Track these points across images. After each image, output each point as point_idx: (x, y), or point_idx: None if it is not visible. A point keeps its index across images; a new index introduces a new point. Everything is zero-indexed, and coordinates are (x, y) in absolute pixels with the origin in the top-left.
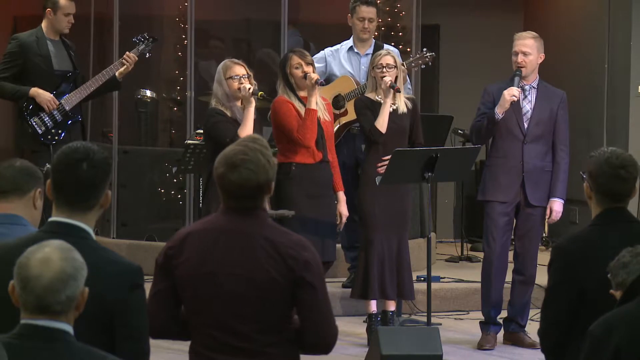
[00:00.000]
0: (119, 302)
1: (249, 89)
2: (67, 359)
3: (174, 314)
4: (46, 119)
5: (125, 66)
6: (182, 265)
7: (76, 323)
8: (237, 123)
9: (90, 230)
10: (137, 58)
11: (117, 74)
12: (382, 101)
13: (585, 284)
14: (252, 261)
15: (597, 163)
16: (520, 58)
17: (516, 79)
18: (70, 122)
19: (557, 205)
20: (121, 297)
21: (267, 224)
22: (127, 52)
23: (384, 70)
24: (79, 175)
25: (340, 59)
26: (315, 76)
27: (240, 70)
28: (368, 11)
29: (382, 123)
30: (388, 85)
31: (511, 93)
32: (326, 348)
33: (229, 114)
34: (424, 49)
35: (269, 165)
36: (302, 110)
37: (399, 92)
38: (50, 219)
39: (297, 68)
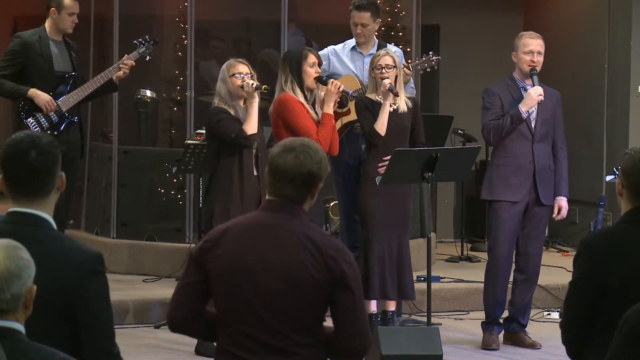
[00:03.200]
0: (79, 289)
1: (252, 84)
2: (16, 357)
3: (199, 309)
4: (42, 119)
5: (122, 71)
6: (219, 258)
7: (38, 313)
8: (239, 121)
9: (50, 219)
10: (134, 63)
11: (114, 77)
12: (382, 101)
13: (609, 280)
14: (293, 258)
15: (631, 160)
16: (536, 57)
17: (535, 78)
18: (66, 123)
19: (564, 203)
20: (82, 283)
21: (308, 223)
22: (126, 56)
23: (383, 71)
24: (30, 165)
25: (344, 58)
26: (338, 83)
27: (243, 68)
28: (359, 16)
29: (381, 126)
30: (387, 88)
31: (538, 92)
32: (361, 353)
33: (232, 112)
34: (430, 52)
35: (323, 163)
36: (309, 108)
37: (397, 95)
38: (10, 209)
39: (312, 67)
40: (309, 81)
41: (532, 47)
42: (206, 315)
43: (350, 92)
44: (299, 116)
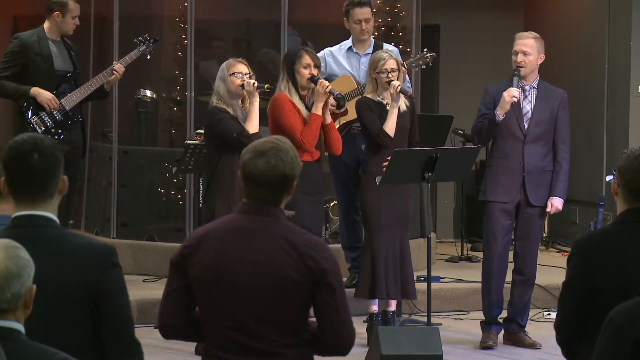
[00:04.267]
0: (99, 283)
1: (254, 83)
2: (16, 357)
3: (188, 314)
4: (46, 118)
5: (114, 76)
6: (199, 264)
7: (59, 311)
8: (238, 121)
9: (55, 218)
10: (124, 68)
11: (105, 84)
12: (383, 101)
13: (602, 281)
14: (271, 261)
15: (627, 159)
16: (520, 58)
17: (515, 79)
18: (70, 122)
19: (556, 202)
20: (101, 278)
21: (286, 224)
22: (115, 63)
23: (389, 75)
24: (32, 167)
25: (340, 59)
26: (327, 84)
27: (243, 68)
28: (363, 12)
29: (390, 127)
30: (398, 90)
31: (511, 94)
32: (344, 349)
33: (230, 111)
34: (425, 49)
35: (296, 162)
36: (301, 108)
37: (413, 98)
38: (13, 215)
39: (305, 68)
40: (303, 81)
41: (516, 47)
42: (196, 317)
43: (336, 92)
44: (286, 115)
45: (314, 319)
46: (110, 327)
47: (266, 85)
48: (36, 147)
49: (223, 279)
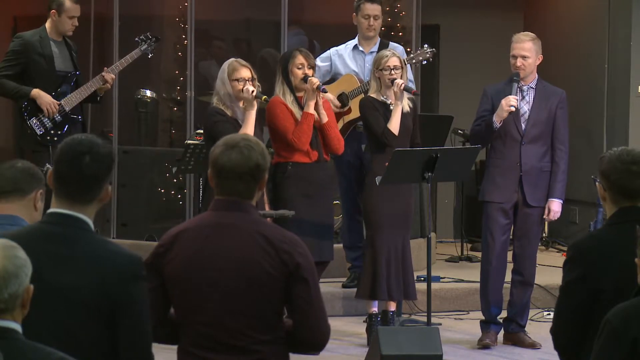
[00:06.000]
0: (123, 293)
1: (252, 92)
2: (14, 357)
3: (163, 315)
4: (45, 120)
5: (105, 86)
6: (173, 262)
7: (79, 315)
8: (237, 123)
9: (90, 222)
10: (114, 76)
11: (97, 90)
12: (386, 101)
13: (601, 284)
14: (247, 256)
15: (609, 161)
16: (519, 62)
17: (514, 85)
18: (70, 122)
19: (555, 205)
20: (126, 287)
21: (259, 219)
22: (105, 69)
23: (392, 72)
24: (82, 169)
25: (345, 58)
26: (316, 81)
27: (245, 73)
28: (373, 8)
29: (395, 126)
30: (402, 87)
31: (509, 103)
32: (318, 346)
33: (229, 113)
34: (425, 45)
35: (266, 154)
36: (295, 110)
37: (417, 94)
38: (49, 210)
39: (299, 68)
40: (297, 82)
41: (514, 51)
42: (171, 319)
43: (322, 87)
44: (278, 117)
45: (290, 319)
46: (128, 339)
47: (264, 97)
48: (90, 151)
49: (198, 276)
